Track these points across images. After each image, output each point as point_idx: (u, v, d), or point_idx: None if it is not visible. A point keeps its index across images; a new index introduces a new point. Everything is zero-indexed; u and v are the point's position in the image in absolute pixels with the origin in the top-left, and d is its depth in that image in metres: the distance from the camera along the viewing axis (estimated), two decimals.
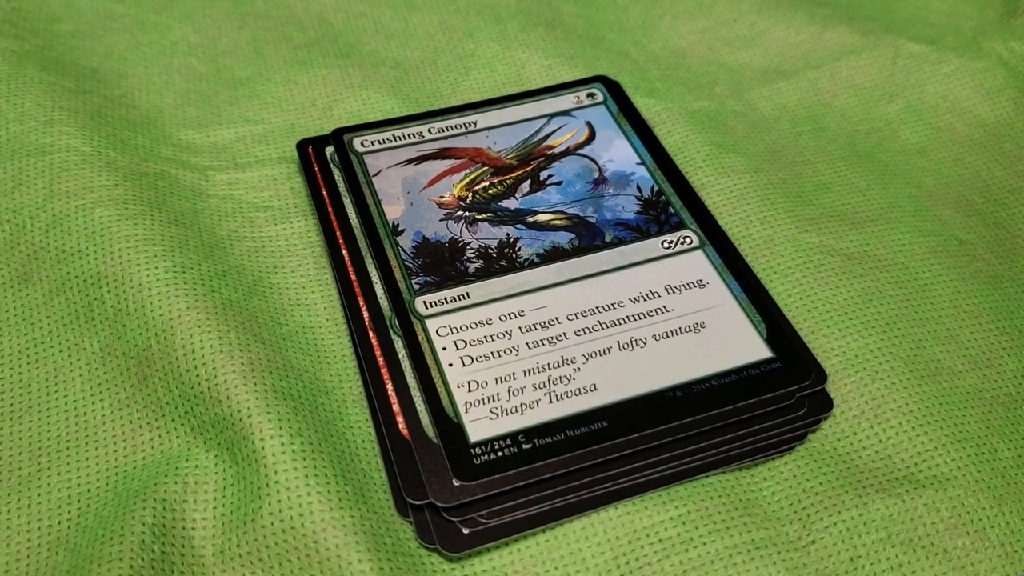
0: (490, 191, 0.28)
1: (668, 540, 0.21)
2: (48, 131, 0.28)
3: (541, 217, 0.27)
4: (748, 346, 0.24)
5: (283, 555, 0.21)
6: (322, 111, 0.31)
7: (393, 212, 0.27)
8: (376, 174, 0.28)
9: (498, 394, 0.23)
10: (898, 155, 0.31)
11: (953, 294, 0.27)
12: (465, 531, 0.21)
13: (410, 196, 0.27)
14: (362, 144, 0.29)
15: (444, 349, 0.24)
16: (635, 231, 0.27)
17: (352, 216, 0.27)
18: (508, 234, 0.27)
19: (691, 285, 0.25)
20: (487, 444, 0.22)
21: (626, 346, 0.24)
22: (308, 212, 0.28)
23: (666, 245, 0.26)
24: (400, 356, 0.24)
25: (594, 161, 0.29)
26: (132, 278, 0.24)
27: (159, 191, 0.27)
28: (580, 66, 0.32)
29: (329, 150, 0.29)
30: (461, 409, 0.23)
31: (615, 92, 0.30)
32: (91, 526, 0.21)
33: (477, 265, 0.26)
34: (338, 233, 0.27)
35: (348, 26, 0.34)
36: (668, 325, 0.24)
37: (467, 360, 0.23)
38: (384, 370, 0.24)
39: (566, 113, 0.30)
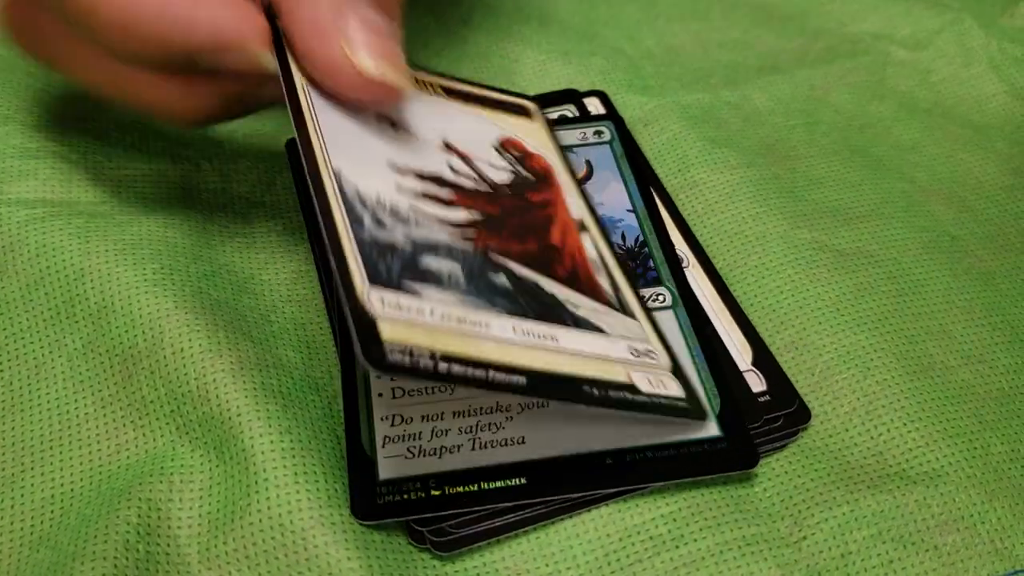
0: None
1: (659, 537, 0.21)
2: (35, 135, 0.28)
3: None
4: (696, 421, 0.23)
5: (270, 552, 0.20)
6: None
7: None
8: None
9: (420, 432, 0.22)
10: (891, 150, 0.31)
11: (945, 290, 0.27)
12: (454, 532, 0.21)
13: None
14: None
15: (378, 376, 0.23)
16: None
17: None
18: None
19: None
20: (395, 484, 0.21)
21: None
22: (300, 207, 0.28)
23: None
24: None
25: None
26: (117, 275, 0.24)
27: (149, 184, 0.27)
28: (574, 62, 0.32)
29: None
30: (378, 443, 0.22)
31: (624, 135, 0.29)
32: (74, 525, 0.21)
33: None
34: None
35: None
36: None
37: (398, 392, 0.22)
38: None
39: (568, 149, 0.29)
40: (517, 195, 0.24)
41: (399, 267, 0.20)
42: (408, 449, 0.22)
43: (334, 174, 0.21)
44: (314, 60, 0.22)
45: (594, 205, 0.26)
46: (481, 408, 0.22)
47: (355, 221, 0.20)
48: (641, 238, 0.26)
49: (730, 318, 0.25)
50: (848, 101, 0.33)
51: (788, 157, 0.30)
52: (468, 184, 0.23)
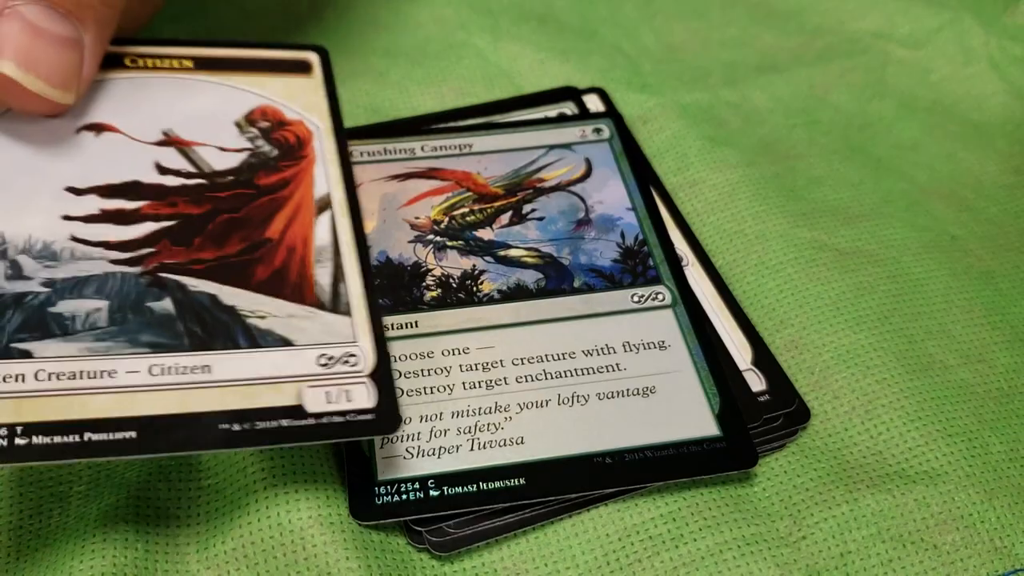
0: (467, 218, 0.27)
1: (658, 536, 0.21)
2: None
3: (513, 252, 0.26)
4: (696, 420, 0.22)
5: (268, 552, 0.20)
6: None
7: (365, 228, 0.25)
8: (357, 186, 0.26)
9: (419, 433, 0.22)
10: (891, 150, 0.31)
11: (945, 289, 0.27)
12: (453, 533, 0.21)
13: (385, 213, 0.26)
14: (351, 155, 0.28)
15: None
16: (607, 279, 0.25)
17: None
18: (475, 265, 0.25)
19: (651, 345, 0.24)
20: (393, 484, 0.21)
21: (566, 401, 0.23)
22: None
23: (636, 299, 0.25)
24: None
25: (583, 200, 0.27)
26: None
27: None
28: (573, 60, 0.32)
29: None
30: (376, 443, 0.22)
31: (623, 132, 0.29)
32: (72, 523, 0.21)
33: (434, 294, 0.25)
34: None
35: (335, 13, 0.34)
36: (616, 385, 0.23)
37: (396, 392, 0.22)
38: None
39: (567, 147, 0.29)
40: (243, 181, 0.23)
41: (16, 325, 0.19)
42: (407, 449, 0.22)
43: None
44: None
45: (351, 164, 0.24)
46: (480, 408, 0.22)
47: None
48: (641, 236, 0.26)
49: (730, 317, 0.25)
50: (848, 100, 0.33)
51: (788, 156, 0.30)
52: (174, 183, 0.22)
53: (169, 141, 0.23)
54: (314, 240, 0.22)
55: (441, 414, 0.22)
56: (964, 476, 0.23)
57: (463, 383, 0.23)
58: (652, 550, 0.21)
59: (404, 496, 0.21)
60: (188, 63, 0.25)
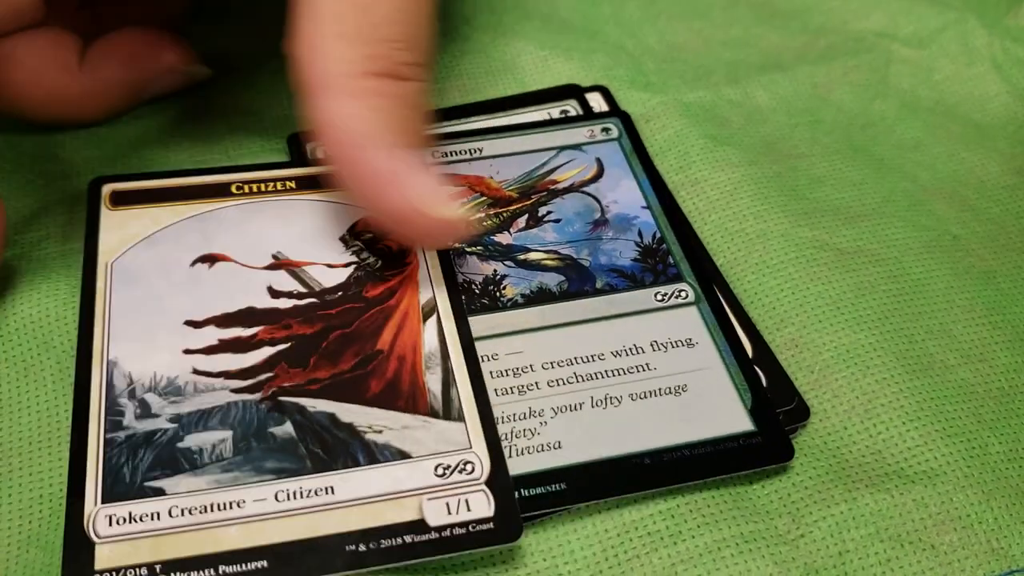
0: (484, 223, 0.27)
1: (657, 533, 0.21)
2: None
3: (532, 255, 0.26)
4: (730, 416, 0.23)
5: None
6: None
7: None
8: None
9: None
10: (894, 149, 0.31)
11: (946, 289, 0.27)
12: None
13: None
14: None
15: None
16: (629, 279, 0.25)
17: None
18: (495, 270, 0.25)
19: (679, 343, 0.24)
20: None
21: (599, 403, 0.23)
22: None
23: (659, 297, 0.25)
24: None
25: (597, 200, 0.27)
26: None
27: None
28: (576, 58, 0.32)
29: (311, 146, 0.28)
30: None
31: (631, 130, 0.29)
32: (63, 524, 0.21)
33: None
34: None
35: None
36: (648, 385, 0.23)
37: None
38: None
39: (577, 147, 0.28)
40: (352, 295, 0.24)
41: (148, 463, 0.20)
42: None
43: (107, 365, 0.22)
44: (386, 211, 0.22)
45: (453, 269, 0.25)
46: (515, 415, 0.22)
47: (113, 419, 0.21)
48: (658, 234, 0.26)
49: (730, 312, 0.25)
50: (850, 99, 0.33)
51: (790, 155, 0.30)
52: (286, 305, 0.23)
53: (279, 264, 0.24)
54: (423, 346, 0.23)
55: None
56: (963, 476, 0.23)
57: (495, 390, 0.23)
58: (651, 546, 0.21)
59: None
60: (291, 184, 0.26)
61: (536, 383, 0.23)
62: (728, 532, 0.21)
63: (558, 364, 0.23)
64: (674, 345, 0.24)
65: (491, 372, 0.23)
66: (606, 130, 0.29)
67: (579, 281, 0.25)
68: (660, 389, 0.23)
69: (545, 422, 0.22)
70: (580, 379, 0.23)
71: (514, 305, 0.24)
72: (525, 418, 0.22)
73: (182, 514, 0.20)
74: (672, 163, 0.29)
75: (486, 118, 0.30)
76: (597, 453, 0.22)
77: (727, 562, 0.21)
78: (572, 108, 0.30)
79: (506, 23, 0.34)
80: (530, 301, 0.25)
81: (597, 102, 0.31)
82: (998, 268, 0.28)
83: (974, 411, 0.24)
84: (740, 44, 0.34)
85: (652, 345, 0.24)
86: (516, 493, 0.21)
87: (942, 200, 0.29)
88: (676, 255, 0.26)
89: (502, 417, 0.22)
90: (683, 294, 0.25)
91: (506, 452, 0.21)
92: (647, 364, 0.23)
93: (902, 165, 0.30)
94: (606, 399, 0.23)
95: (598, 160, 0.28)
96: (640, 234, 0.26)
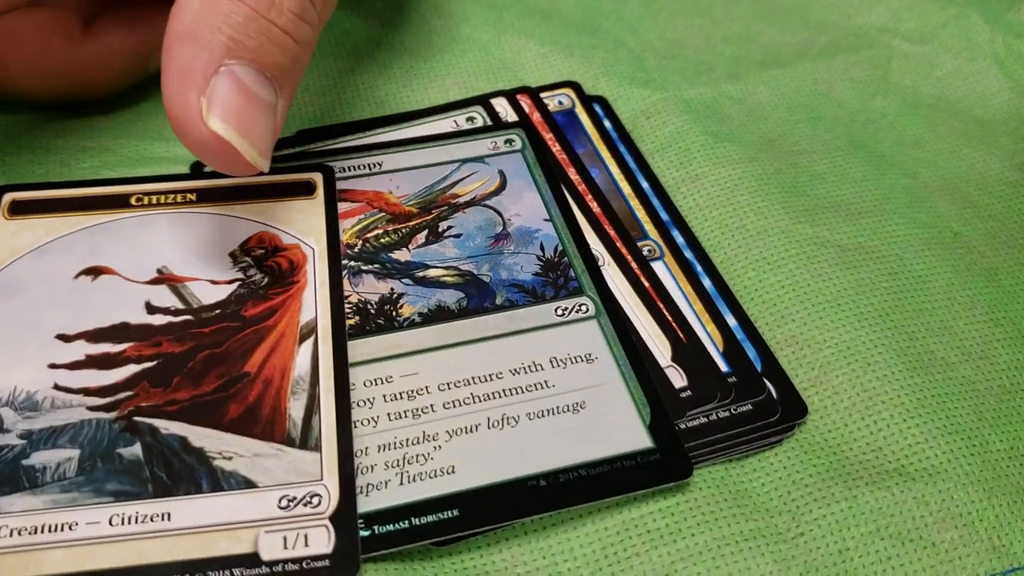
0: (382, 240, 0.26)
1: (657, 531, 0.21)
2: None
3: (431, 272, 0.25)
4: (628, 432, 0.22)
5: None
6: (315, 96, 0.31)
7: None
8: None
9: None
10: (894, 146, 0.31)
11: (947, 286, 0.27)
12: None
13: None
14: None
15: None
16: (530, 294, 0.25)
17: None
18: (392, 289, 0.24)
19: (578, 359, 0.23)
20: None
21: (496, 424, 0.22)
22: None
23: (559, 312, 0.24)
24: None
25: (500, 214, 0.27)
26: None
27: None
28: (576, 55, 0.32)
29: None
30: None
31: (535, 141, 0.28)
32: None
33: (352, 321, 0.24)
34: None
35: (341, 9, 0.34)
36: (546, 403, 0.22)
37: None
38: None
39: (479, 159, 0.28)
40: (230, 314, 0.23)
41: None
42: None
43: None
44: (171, 106, 0.21)
45: (342, 288, 0.24)
46: (408, 440, 0.22)
47: None
48: (560, 247, 0.26)
49: (647, 313, 0.25)
50: (851, 96, 0.32)
51: (790, 152, 0.30)
52: (161, 321, 0.23)
53: (162, 279, 0.23)
54: (293, 370, 0.22)
55: (367, 449, 0.21)
56: (963, 474, 0.23)
57: (388, 414, 0.22)
58: (650, 544, 0.21)
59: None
60: (191, 196, 0.25)
61: (431, 405, 0.22)
62: (728, 530, 0.21)
63: (455, 384, 0.23)
64: (573, 361, 0.23)
65: (384, 396, 0.22)
66: (509, 141, 0.28)
67: (479, 297, 0.24)
68: (558, 407, 0.22)
69: (439, 446, 0.21)
70: (477, 400, 0.22)
71: (411, 324, 0.24)
72: (419, 442, 0.21)
73: (11, 535, 0.19)
74: (672, 160, 0.29)
75: (388, 130, 0.29)
76: (492, 477, 0.21)
77: (727, 560, 0.21)
78: (479, 116, 0.29)
79: (506, 19, 0.34)
80: (428, 320, 0.24)
81: (503, 107, 0.30)
82: (999, 265, 0.28)
83: (975, 408, 0.24)
84: (741, 40, 0.34)
85: (551, 362, 0.23)
86: (406, 522, 0.20)
87: (943, 197, 0.29)
88: (577, 268, 0.25)
89: (395, 443, 0.21)
90: (583, 308, 0.24)
91: (397, 480, 0.21)
92: (546, 381, 0.23)
93: (903, 162, 0.30)
94: (503, 419, 0.22)
95: (501, 172, 0.28)
96: (542, 247, 0.26)
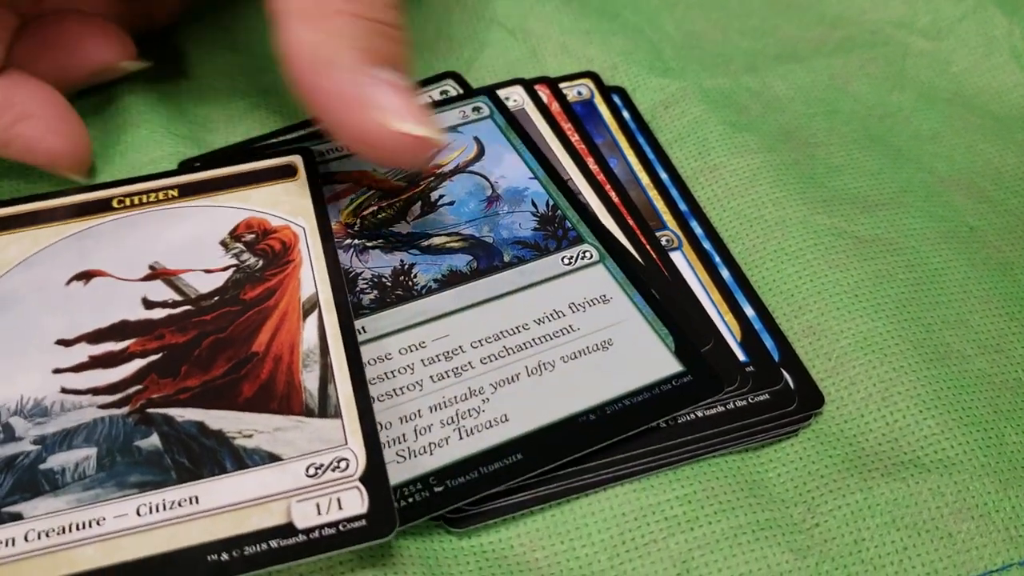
0: (379, 215, 0.26)
1: (674, 518, 0.21)
2: None
3: (436, 240, 0.25)
4: (658, 361, 0.23)
5: None
6: None
7: None
8: None
9: (404, 435, 0.22)
10: (911, 140, 0.31)
11: (963, 279, 0.27)
12: (469, 509, 0.21)
13: None
14: None
15: None
16: (534, 248, 0.25)
17: None
18: (402, 260, 0.25)
19: (595, 301, 0.24)
20: (396, 491, 0.21)
21: (535, 371, 0.23)
22: None
23: (566, 261, 0.25)
24: None
25: (486, 178, 0.27)
26: None
27: None
28: (596, 42, 0.32)
29: None
30: None
31: (500, 106, 0.29)
32: None
33: (371, 296, 0.24)
34: None
35: None
36: (576, 345, 0.23)
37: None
38: None
39: (453, 129, 0.28)
40: (229, 299, 0.23)
41: (8, 488, 0.20)
42: (397, 454, 0.21)
43: None
44: (350, 132, 0.22)
45: (338, 260, 0.24)
46: (455, 397, 0.22)
47: None
48: (551, 202, 0.26)
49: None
50: (867, 91, 0.32)
51: (808, 144, 0.30)
52: (160, 315, 0.23)
53: (155, 274, 0.24)
54: (301, 344, 0.22)
55: (420, 411, 0.22)
56: (979, 466, 0.23)
57: (430, 376, 0.23)
58: (668, 531, 0.21)
59: (411, 499, 0.21)
60: (174, 192, 0.25)
61: (469, 363, 0.23)
62: (744, 519, 0.21)
63: (486, 340, 0.23)
64: (591, 304, 0.24)
65: (423, 360, 0.23)
66: (476, 109, 0.29)
67: (487, 258, 0.25)
68: (588, 347, 0.23)
69: (487, 399, 0.22)
70: (510, 352, 0.23)
71: (429, 291, 0.24)
72: (467, 398, 0.22)
73: (39, 537, 0.19)
74: (691, 149, 0.29)
75: None
76: (544, 419, 0.22)
77: (743, 549, 0.21)
78: (452, 88, 0.30)
79: (526, 6, 0.33)
80: (444, 285, 0.24)
81: (520, 97, 0.30)
82: (1015, 260, 0.28)
83: (991, 401, 0.24)
84: (757, 34, 0.34)
85: (571, 307, 0.24)
86: (476, 472, 0.21)
87: (959, 191, 0.29)
88: (572, 219, 0.26)
89: (444, 402, 0.22)
90: (588, 255, 0.25)
91: (456, 435, 0.21)
92: (570, 326, 0.24)
93: (919, 156, 0.30)
94: (540, 366, 0.23)
95: (476, 139, 0.28)
96: (534, 204, 0.26)
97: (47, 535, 0.19)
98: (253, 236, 0.24)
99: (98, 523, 0.19)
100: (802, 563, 0.21)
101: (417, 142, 0.22)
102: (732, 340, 0.24)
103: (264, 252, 0.24)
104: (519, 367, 0.23)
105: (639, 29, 0.33)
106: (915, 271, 0.27)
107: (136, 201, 0.25)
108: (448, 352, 0.23)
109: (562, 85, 0.30)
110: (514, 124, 0.28)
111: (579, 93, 0.30)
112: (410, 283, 0.24)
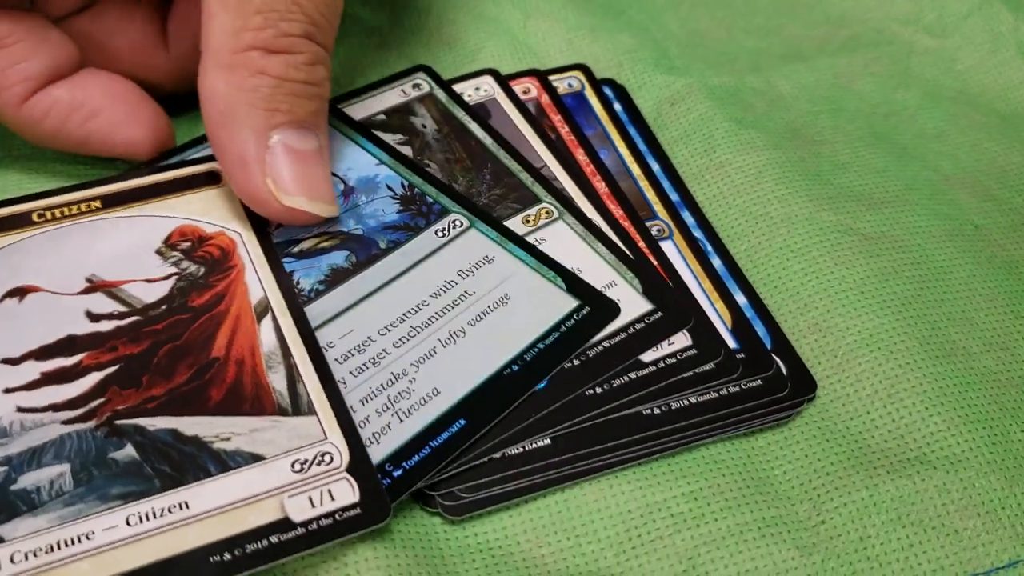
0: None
1: (680, 515, 0.21)
2: None
3: (305, 244, 0.25)
4: (555, 302, 0.24)
5: None
6: (333, 85, 0.31)
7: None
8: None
9: None
10: (916, 138, 0.31)
11: (968, 277, 0.27)
12: (465, 497, 0.21)
13: None
14: None
15: None
16: (405, 230, 0.25)
17: None
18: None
19: (480, 263, 0.25)
20: None
21: (448, 341, 0.23)
22: None
23: (440, 234, 0.25)
24: None
25: (333, 174, 0.27)
26: None
27: None
28: (601, 39, 0.32)
29: None
30: None
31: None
32: None
33: None
34: None
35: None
36: (477, 308, 0.24)
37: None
38: None
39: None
40: (177, 307, 0.23)
41: None
42: None
43: None
44: (242, 193, 0.23)
45: (281, 263, 0.24)
46: (382, 384, 0.22)
47: None
48: (406, 182, 0.27)
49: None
50: (872, 89, 0.32)
51: (813, 142, 0.30)
52: (108, 327, 0.22)
53: (95, 287, 0.23)
54: (261, 347, 0.22)
55: (352, 407, 0.22)
56: (985, 463, 0.23)
57: (350, 372, 0.22)
58: (674, 528, 0.21)
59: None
60: (96, 203, 0.25)
61: (384, 350, 0.23)
62: (750, 516, 0.21)
63: (392, 326, 0.23)
64: (477, 267, 0.25)
65: (336, 359, 0.23)
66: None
67: (363, 249, 0.25)
68: (489, 307, 0.24)
69: (413, 378, 0.22)
70: (419, 329, 0.23)
71: (317, 294, 0.24)
72: (393, 383, 0.22)
73: (25, 558, 0.19)
74: (696, 146, 0.29)
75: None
76: (472, 382, 0.22)
77: (749, 546, 0.21)
78: (424, 82, 0.29)
79: (531, 3, 0.33)
80: (330, 284, 0.24)
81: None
82: (1020, 258, 0.28)
83: (996, 398, 0.24)
84: (762, 33, 0.34)
85: (459, 274, 0.24)
86: (427, 448, 0.21)
87: (964, 189, 0.29)
88: (431, 193, 0.26)
89: (372, 392, 0.22)
90: (458, 223, 0.26)
91: (397, 419, 0.22)
92: (466, 292, 0.24)
93: (924, 154, 0.30)
94: (451, 335, 0.23)
95: None
96: (390, 187, 0.26)
97: (34, 555, 0.19)
98: (189, 244, 0.24)
99: (87, 537, 0.19)
100: (807, 560, 0.21)
101: (306, 215, 0.23)
102: (723, 327, 0.25)
103: (204, 259, 0.24)
104: (432, 341, 0.23)
105: (644, 27, 0.34)
106: (920, 268, 0.27)
107: (58, 214, 0.25)
108: (359, 345, 0.23)
109: (552, 77, 0.30)
110: (340, 116, 0.28)
111: (569, 85, 0.30)
112: (297, 290, 0.24)
